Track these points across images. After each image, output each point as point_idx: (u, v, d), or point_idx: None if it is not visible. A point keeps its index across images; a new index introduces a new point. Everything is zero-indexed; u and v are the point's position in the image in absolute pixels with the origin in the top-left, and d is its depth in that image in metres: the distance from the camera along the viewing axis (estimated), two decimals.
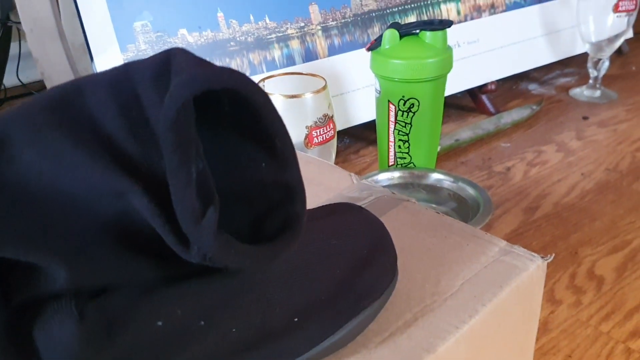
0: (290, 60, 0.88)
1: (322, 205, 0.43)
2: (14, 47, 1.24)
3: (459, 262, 0.42)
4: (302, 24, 0.89)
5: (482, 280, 0.40)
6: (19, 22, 1.04)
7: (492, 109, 1.13)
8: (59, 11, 0.72)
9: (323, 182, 0.53)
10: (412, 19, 1.02)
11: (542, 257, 0.42)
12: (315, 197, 0.51)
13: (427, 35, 0.73)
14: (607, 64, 1.19)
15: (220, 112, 0.31)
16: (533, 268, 0.41)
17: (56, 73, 0.69)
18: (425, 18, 1.04)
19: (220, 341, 0.31)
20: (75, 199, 0.28)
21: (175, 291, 0.31)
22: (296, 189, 0.32)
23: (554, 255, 0.42)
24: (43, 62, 0.69)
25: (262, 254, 0.31)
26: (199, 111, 0.29)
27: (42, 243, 0.27)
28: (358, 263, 0.37)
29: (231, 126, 0.32)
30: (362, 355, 0.35)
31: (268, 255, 0.31)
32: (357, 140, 1.02)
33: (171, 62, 0.30)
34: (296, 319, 0.34)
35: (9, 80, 1.27)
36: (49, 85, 0.74)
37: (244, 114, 0.30)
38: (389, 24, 0.76)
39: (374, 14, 0.96)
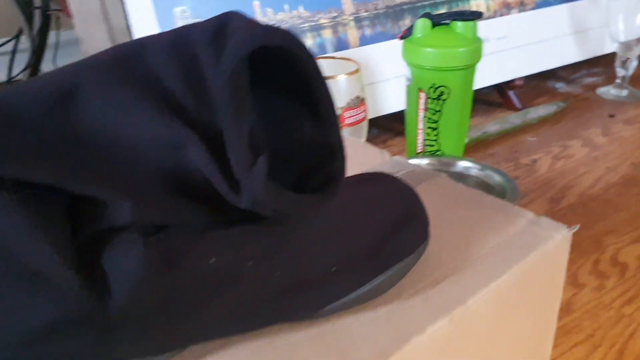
0: (322, 49, 0.90)
1: (359, 174, 0.45)
2: (52, 36, 1.28)
3: (488, 231, 0.44)
4: (335, 14, 0.92)
5: (510, 247, 0.42)
6: (59, 10, 1.08)
7: (518, 105, 1.14)
8: None
9: (356, 159, 0.56)
10: (442, 12, 1.03)
11: (568, 227, 0.44)
12: (349, 171, 0.53)
13: (459, 25, 0.75)
14: (635, 63, 1.20)
15: (269, 75, 0.34)
16: (559, 237, 0.43)
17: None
18: None
19: (265, 282, 0.34)
20: (137, 149, 0.31)
21: (227, 234, 0.33)
22: (337, 149, 0.35)
23: (579, 225, 0.44)
24: (87, 42, 0.73)
25: (306, 202, 0.33)
26: (250, 73, 0.32)
27: (108, 182, 0.30)
28: (392, 225, 0.39)
29: (279, 88, 0.34)
30: (395, 305, 0.37)
31: (310, 205, 0.33)
32: (384, 131, 1.04)
33: (227, 24, 0.32)
34: (334, 269, 0.36)
35: (47, 67, 1.32)
36: None
37: (292, 75, 0.33)
38: (421, 14, 0.78)
39: (405, 7, 0.99)
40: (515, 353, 0.44)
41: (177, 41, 0.32)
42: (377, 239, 0.38)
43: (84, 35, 0.72)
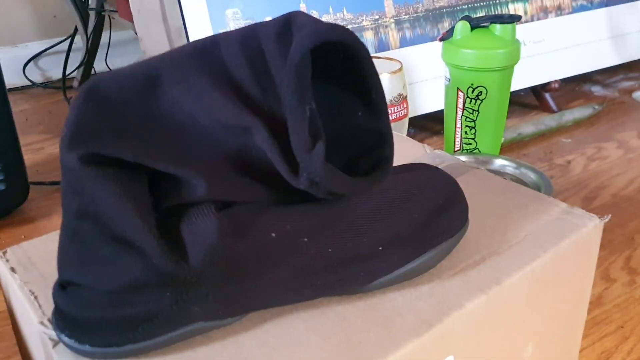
0: None
1: (403, 164, 0.49)
2: (105, 36, 1.34)
3: (524, 218, 0.47)
4: (377, 17, 0.96)
5: (544, 233, 0.45)
6: (113, 11, 1.14)
7: (554, 107, 1.16)
8: None
9: (398, 151, 0.59)
10: (481, 15, 1.06)
11: (600, 218, 0.47)
12: (393, 162, 0.56)
13: (497, 28, 0.78)
14: None
15: (327, 67, 0.37)
16: (591, 226, 0.46)
17: (156, 52, 0.77)
18: None
19: (318, 256, 0.37)
20: (210, 132, 0.35)
21: (286, 211, 0.37)
22: (386, 136, 0.38)
23: (610, 216, 0.46)
24: (146, 41, 0.77)
25: (358, 184, 0.36)
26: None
27: (185, 161, 0.34)
28: (434, 209, 0.42)
29: (335, 79, 0.38)
30: (436, 284, 0.40)
31: (362, 187, 0.37)
32: (421, 131, 1.07)
33: (292, 22, 0.36)
34: (380, 248, 0.40)
35: (99, 65, 1.38)
36: None
37: (348, 68, 0.36)
38: (460, 17, 0.81)
39: (444, 10, 1.02)
40: (547, 335, 0.47)
41: (245, 37, 0.36)
42: (421, 221, 0.41)
43: (143, 34, 0.77)
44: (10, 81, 1.26)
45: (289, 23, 0.36)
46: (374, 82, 0.37)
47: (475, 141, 0.83)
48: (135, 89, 0.34)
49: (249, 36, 0.36)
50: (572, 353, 0.52)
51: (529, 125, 1.07)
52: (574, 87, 1.29)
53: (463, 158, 0.82)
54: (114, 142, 0.32)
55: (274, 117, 0.35)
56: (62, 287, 0.34)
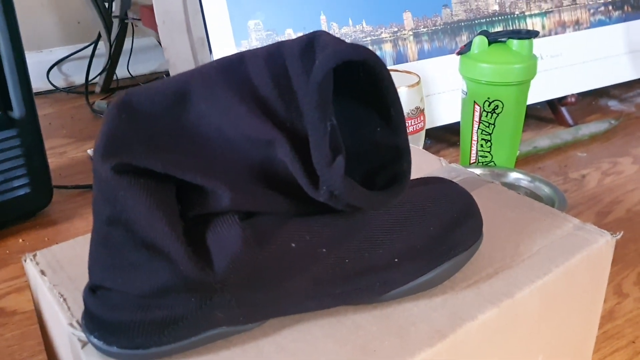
0: None
1: (419, 178, 0.50)
2: (127, 43, 1.37)
3: (537, 233, 0.48)
4: (396, 29, 0.97)
5: (556, 248, 0.46)
6: (137, 19, 1.16)
7: (570, 121, 1.16)
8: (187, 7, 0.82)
9: (415, 164, 0.60)
10: (498, 29, 1.07)
11: (612, 234, 0.48)
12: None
13: (514, 43, 0.79)
14: None
15: (348, 84, 0.39)
16: (603, 242, 0.47)
17: (180, 62, 0.79)
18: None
19: (336, 266, 0.39)
20: (235, 145, 0.36)
21: (306, 223, 0.38)
22: (404, 151, 0.39)
23: (622, 232, 0.47)
24: (170, 50, 0.79)
25: (376, 198, 0.38)
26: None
27: (211, 172, 0.36)
28: (449, 222, 0.44)
29: (355, 96, 0.39)
30: (449, 295, 0.42)
31: (380, 200, 0.38)
32: (438, 142, 1.09)
33: (315, 41, 0.37)
34: (396, 260, 0.41)
35: (121, 71, 1.40)
36: (172, 71, 0.84)
37: (368, 85, 0.38)
38: (478, 32, 0.83)
39: (462, 24, 1.03)
40: (557, 347, 0.48)
41: (270, 54, 0.38)
42: (436, 234, 0.42)
43: (168, 44, 0.79)
44: (34, 85, 1.29)
45: (312, 42, 0.37)
46: (393, 99, 0.38)
47: (490, 154, 0.84)
48: (166, 103, 0.35)
49: (274, 54, 0.38)
50: None
51: (545, 138, 1.08)
52: (591, 101, 1.29)
53: (478, 171, 0.83)
54: (145, 154, 0.34)
55: (296, 132, 0.37)
56: (92, 291, 0.36)
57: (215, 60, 0.38)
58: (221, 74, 0.37)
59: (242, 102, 0.36)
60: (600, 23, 1.20)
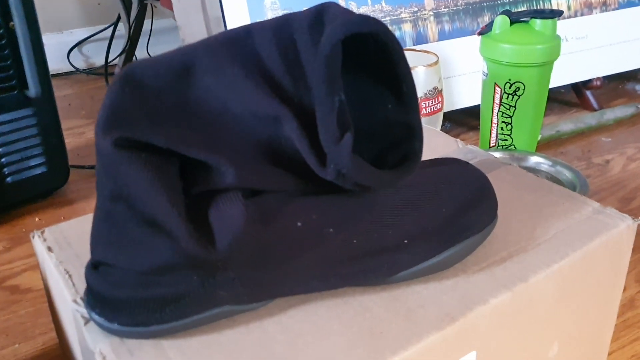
0: (401, 43, 0.94)
1: (433, 158, 0.49)
2: (146, 24, 1.36)
3: (554, 216, 0.46)
4: (416, 9, 0.95)
5: (574, 232, 0.45)
6: (156, 0, 1.15)
7: (595, 105, 1.13)
8: None
9: (430, 145, 0.59)
10: (522, 9, 1.05)
11: (633, 219, 0.46)
12: (425, 157, 0.56)
13: (537, 23, 0.77)
14: None
15: (358, 59, 0.37)
16: (623, 227, 0.45)
17: (196, 41, 0.78)
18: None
19: (343, 247, 0.38)
20: (241, 120, 0.35)
21: (313, 202, 0.37)
22: (416, 129, 0.38)
23: None
24: (185, 30, 0.78)
25: (385, 177, 0.36)
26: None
27: (216, 148, 0.35)
28: (463, 204, 0.42)
29: (365, 71, 0.38)
30: (461, 279, 0.40)
31: (389, 179, 0.37)
32: (457, 125, 1.07)
33: (324, 13, 0.36)
34: (406, 241, 0.40)
35: (140, 53, 1.40)
36: None
37: (379, 60, 0.36)
38: (500, 11, 0.80)
39: (485, 4, 1.00)
40: (574, 335, 0.47)
41: (278, 27, 0.37)
42: (448, 216, 0.41)
43: (183, 23, 0.78)
44: (54, 67, 1.30)
45: (321, 14, 0.36)
46: (404, 74, 0.37)
47: (511, 137, 0.82)
48: (170, 77, 0.34)
49: (282, 26, 0.37)
50: (600, 355, 0.51)
51: (568, 123, 1.05)
52: (617, 85, 1.26)
53: (498, 154, 0.81)
54: (147, 128, 0.33)
55: (304, 108, 0.36)
56: (94, 267, 0.35)
57: (222, 33, 0.37)
58: (227, 47, 0.36)
59: (249, 77, 0.35)
60: (629, 4, 1.17)
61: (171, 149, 0.33)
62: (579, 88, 1.15)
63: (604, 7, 1.14)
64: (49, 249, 0.45)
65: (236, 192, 0.34)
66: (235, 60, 0.36)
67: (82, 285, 0.40)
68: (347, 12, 0.35)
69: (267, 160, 0.36)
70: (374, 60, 0.37)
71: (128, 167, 0.32)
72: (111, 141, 0.32)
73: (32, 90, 0.79)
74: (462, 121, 1.07)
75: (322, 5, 0.37)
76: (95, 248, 0.35)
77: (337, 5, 0.36)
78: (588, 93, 1.14)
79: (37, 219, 0.84)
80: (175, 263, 0.33)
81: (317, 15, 0.36)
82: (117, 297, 0.34)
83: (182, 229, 0.33)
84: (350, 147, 0.34)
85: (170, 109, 0.34)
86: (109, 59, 1.35)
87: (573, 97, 1.17)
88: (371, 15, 0.34)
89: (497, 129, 0.82)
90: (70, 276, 0.42)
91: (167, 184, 0.33)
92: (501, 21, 0.78)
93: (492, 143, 0.84)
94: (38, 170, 0.84)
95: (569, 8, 1.10)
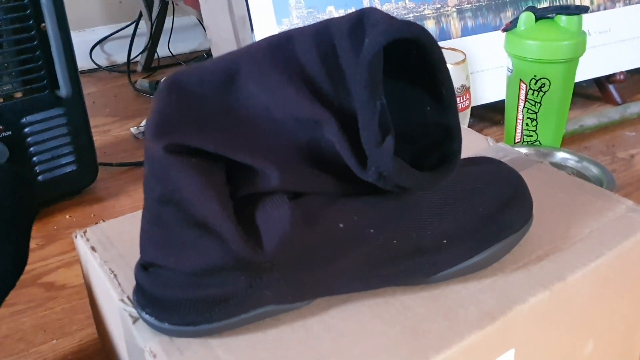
0: None
1: (467, 157, 0.49)
2: (167, 22, 1.37)
3: (588, 215, 0.47)
4: (439, 6, 0.95)
5: (609, 231, 0.45)
6: None
7: (618, 99, 1.13)
8: None
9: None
10: (545, 5, 1.04)
11: None
12: None
13: (562, 19, 0.77)
14: None
15: (398, 62, 0.38)
16: None
17: (222, 41, 0.79)
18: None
19: (383, 247, 0.39)
20: (283, 125, 0.36)
21: (354, 203, 0.38)
22: (455, 131, 0.38)
23: None
24: (212, 29, 0.79)
25: (425, 178, 0.37)
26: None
27: (260, 152, 0.36)
28: (499, 203, 0.43)
29: (405, 74, 0.39)
30: (499, 277, 0.41)
31: (429, 181, 0.37)
32: (481, 120, 1.07)
33: (365, 18, 0.37)
34: (445, 241, 0.40)
35: (162, 50, 1.41)
36: (214, 51, 0.84)
37: (419, 63, 0.37)
38: (524, 8, 0.80)
39: (508, 0, 1.00)
40: (608, 333, 0.47)
41: (318, 32, 0.37)
42: (486, 216, 0.42)
43: (210, 23, 0.79)
44: (77, 64, 1.31)
45: (361, 19, 0.36)
46: (444, 78, 0.37)
47: (536, 133, 0.82)
48: (215, 83, 0.35)
49: (322, 32, 0.38)
50: (634, 352, 0.52)
51: (592, 117, 1.05)
52: None
53: (524, 150, 0.82)
54: (196, 134, 0.34)
55: (344, 111, 0.36)
56: (144, 268, 0.36)
57: (263, 40, 0.38)
58: (269, 53, 0.37)
59: (290, 82, 0.36)
60: None
61: (219, 154, 0.34)
62: (601, 82, 1.14)
63: (627, 0, 1.13)
64: (93, 248, 0.46)
65: (282, 195, 0.35)
66: (277, 67, 0.37)
67: (127, 285, 0.42)
68: (388, 18, 0.35)
69: (309, 163, 0.37)
70: (413, 63, 0.37)
71: (179, 172, 0.33)
72: (162, 147, 0.33)
73: (63, 90, 0.80)
74: (485, 116, 1.07)
75: (363, 10, 0.37)
76: (145, 250, 0.36)
77: (378, 11, 0.37)
78: (611, 87, 1.14)
79: (67, 216, 0.85)
80: (224, 264, 0.34)
81: (357, 21, 0.37)
82: (167, 298, 0.35)
83: (232, 232, 0.34)
84: (392, 149, 0.35)
85: (216, 115, 0.35)
86: (131, 57, 1.36)
87: (596, 91, 1.17)
88: (412, 21, 0.35)
89: (522, 125, 0.82)
90: (115, 276, 0.43)
91: (217, 188, 0.34)
92: (526, 18, 0.78)
93: (517, 139, 0.84)
94: (68, 169, 0.85)
95: (591, 2, 1.09)
